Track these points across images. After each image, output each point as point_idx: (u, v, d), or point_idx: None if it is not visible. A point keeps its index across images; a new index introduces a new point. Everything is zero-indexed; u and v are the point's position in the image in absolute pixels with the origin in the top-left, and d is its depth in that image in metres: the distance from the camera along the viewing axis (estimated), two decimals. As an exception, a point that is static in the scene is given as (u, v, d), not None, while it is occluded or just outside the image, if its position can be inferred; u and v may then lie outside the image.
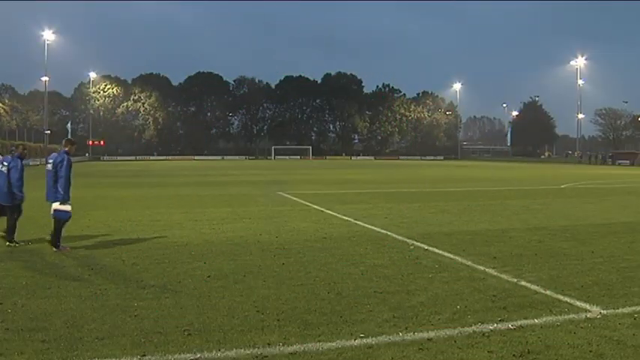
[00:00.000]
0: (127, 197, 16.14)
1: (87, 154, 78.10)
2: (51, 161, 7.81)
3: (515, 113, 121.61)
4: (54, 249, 7.54)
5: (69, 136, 76.00)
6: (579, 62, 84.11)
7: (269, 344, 4.03)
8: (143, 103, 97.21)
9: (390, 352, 3.91)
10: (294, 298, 5.25)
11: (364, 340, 4.12)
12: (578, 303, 5.15)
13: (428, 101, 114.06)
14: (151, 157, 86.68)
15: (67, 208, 7.76)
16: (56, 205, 7.67)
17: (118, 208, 12.56)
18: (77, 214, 11.86)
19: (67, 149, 7.95)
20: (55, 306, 4.92)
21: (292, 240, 8.64)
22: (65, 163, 7.71)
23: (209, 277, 6.10)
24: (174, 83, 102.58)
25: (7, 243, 7.89)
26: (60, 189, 7.63)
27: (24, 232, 8.38)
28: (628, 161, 68.12)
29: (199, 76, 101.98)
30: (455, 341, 4.13)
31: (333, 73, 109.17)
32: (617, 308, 4.98)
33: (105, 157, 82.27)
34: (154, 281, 5.87)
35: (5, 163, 8.06)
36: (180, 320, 4.56)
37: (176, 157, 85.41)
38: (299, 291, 5.52)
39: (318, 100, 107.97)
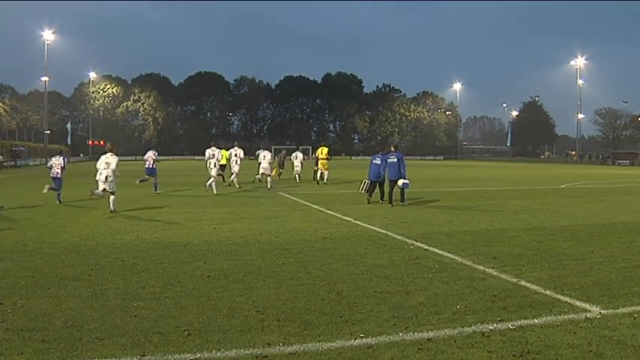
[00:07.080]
0: (127, 197, 16.12)
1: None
2: (394, 156, 13.96)
3: (515, 113, 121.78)
4: (390, 205, 13.45)
5: (69, 136, 76.40)
6: (579, 62, 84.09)
7: (269, 344, 4.03)
8: (143, 103, 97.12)
9: (390, 352, 3.91)
10: (294, 298, 5.25)
11: (364, 340, 4.13)
12: (578, 303, 5.15)
13: (428, 101, 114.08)
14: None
15: (408, 181, 13.90)
16: (402, 180, 13.58)
17: (118, 208, 12.53)
18: (77, 214, 11.90)
19: (398, 149, 14.70)
20: (55, 306, 4.92)
21: (292, 240, 8.64)
22: (403, 156, 14.17)
23: (209, 277, 6.10)
24: (174, 83, 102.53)
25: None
26: (403, 171, 13.72)
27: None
28: (628, 161, 68.23)
29: (199, 76, 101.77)
30: (455, 341, 4.13)
31: (333, 73, 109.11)
32: (617, 308, 4.98)
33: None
34: (154, 281, 5.87)
35: (378, 158, 14.20)
36: (180, 320, 4.56)
37: (176, 157, 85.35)
38: (299, 291, 5.52)
39: (318, 100, 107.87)
